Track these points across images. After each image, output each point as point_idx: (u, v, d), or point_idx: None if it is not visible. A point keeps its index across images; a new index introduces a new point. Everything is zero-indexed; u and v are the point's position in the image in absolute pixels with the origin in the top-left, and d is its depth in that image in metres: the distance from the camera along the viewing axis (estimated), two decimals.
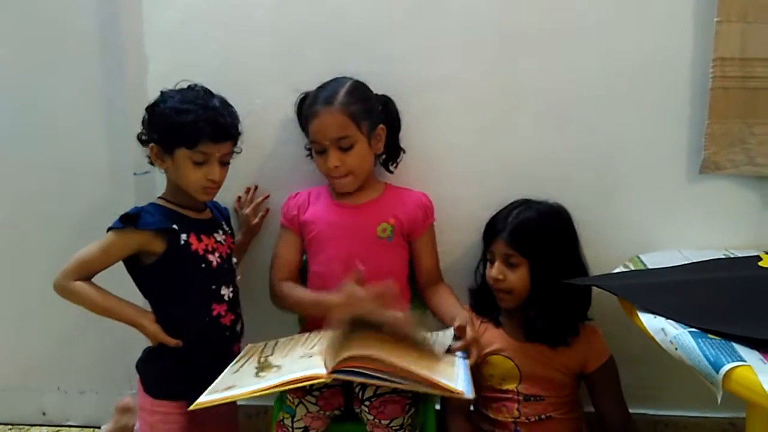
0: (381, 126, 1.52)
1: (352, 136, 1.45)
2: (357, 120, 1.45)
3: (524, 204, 1.48)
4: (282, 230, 1.57)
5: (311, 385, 1.28)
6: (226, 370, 1.31)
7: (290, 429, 1.32)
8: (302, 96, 1.56)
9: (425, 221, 1.54)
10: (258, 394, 1.15)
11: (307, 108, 1.50)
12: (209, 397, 1.17)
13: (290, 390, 1.26)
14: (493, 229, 1.48)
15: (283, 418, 1.33)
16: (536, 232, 1.42)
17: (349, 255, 1.45)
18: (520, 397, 1.44)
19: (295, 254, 1.55)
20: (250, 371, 1.27)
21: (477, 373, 1.46)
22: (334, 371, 1.13)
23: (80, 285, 1.38)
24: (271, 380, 1.17)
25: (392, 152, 1.60)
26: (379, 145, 1.53)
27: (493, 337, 1.47)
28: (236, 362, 1.35)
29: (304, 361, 1.23)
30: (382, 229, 1.48)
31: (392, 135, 1.57)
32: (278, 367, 1.25)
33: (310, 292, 1.48)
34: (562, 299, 1.40)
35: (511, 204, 1.49)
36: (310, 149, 1.55)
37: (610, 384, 1.48)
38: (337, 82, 1.50)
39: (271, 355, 1.33)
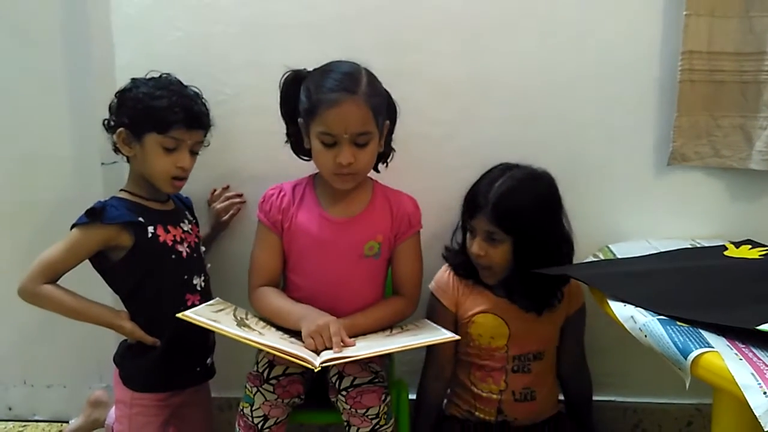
0: (387, 122, 1.41)
1: (372, 132, 1.33)
2: (376, 114, 1.32)
3: (506, 174, 1.38)
4: (262, 229, 1.44)
5: (269, 373, 1.29)
6: (202, 305, 1.33)
7: (250, 418, 1.29)
8: (292, 74, 1.39)
9: (408, 230, 1.44)
10: (245, 342, 1.18)
11: (319, 93, 1.30)
12: (196, 317, 1.22)
13: (249, 377, 1.31)
14: (474, 203, 1.39)
15: (243, 407, 1.31)
16: (519, 209, 1.34)
17: (331, 273, 1.40)
18: (509, 365, 1.42)
19: (277, 260, 1.43)
20: (229, 319, 1.28)
21: (463, 335, 1.45)
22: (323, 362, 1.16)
23: (48, 288, 1.34)
24: (259, 338, 1.20)
25: (385, 151, 1.46)
26: (382, 143, 1.40)
27: (482, 298, 1.44)
28: (212, 305, 1.36)
29: (286, 342, 1.24)
30: (369, 248, 1.40)
31: (390, 132, 1.45)
32: (260, 333, 1.26)
33: (289, 306, 1.36)
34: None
35: (492, 172, 1.40)
36: (292, 137, 1.44)
37: (578, 329, 1.51)
38: (348, 66, 1.35)
39: (246, 319, 1.34)
